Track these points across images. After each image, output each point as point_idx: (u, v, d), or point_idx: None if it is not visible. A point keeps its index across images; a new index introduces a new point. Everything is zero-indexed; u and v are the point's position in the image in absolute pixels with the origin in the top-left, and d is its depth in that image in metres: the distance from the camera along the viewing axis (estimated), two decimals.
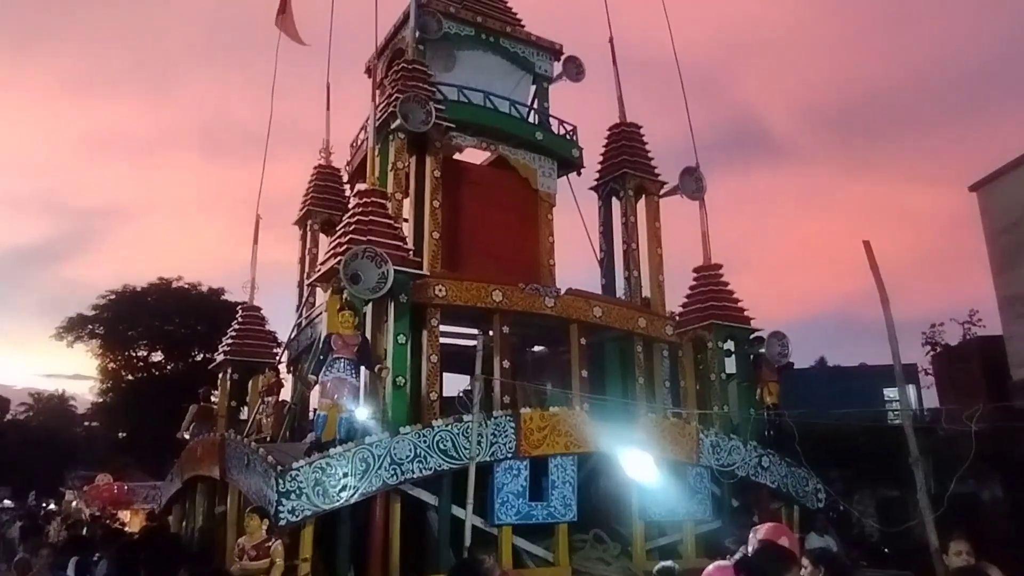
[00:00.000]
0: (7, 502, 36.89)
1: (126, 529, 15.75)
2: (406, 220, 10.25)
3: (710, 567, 4.87)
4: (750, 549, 6.18)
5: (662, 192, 12.30)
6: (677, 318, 11.75)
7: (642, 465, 8.41)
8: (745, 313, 11.57)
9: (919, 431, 7.37)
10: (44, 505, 32.89)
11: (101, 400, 40.28)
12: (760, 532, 6.36)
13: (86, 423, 47.55)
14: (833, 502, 10.80)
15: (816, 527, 9.17)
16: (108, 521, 16.23)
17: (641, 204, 12.30)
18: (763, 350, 11.48)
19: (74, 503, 26.34)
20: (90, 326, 36.84)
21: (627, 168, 12.14)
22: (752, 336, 11.56)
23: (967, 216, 13.93)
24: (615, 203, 12.60)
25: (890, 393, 21.03)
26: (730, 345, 11.45)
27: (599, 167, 12.74)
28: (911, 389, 20.48)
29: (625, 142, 12.48)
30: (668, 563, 5.26)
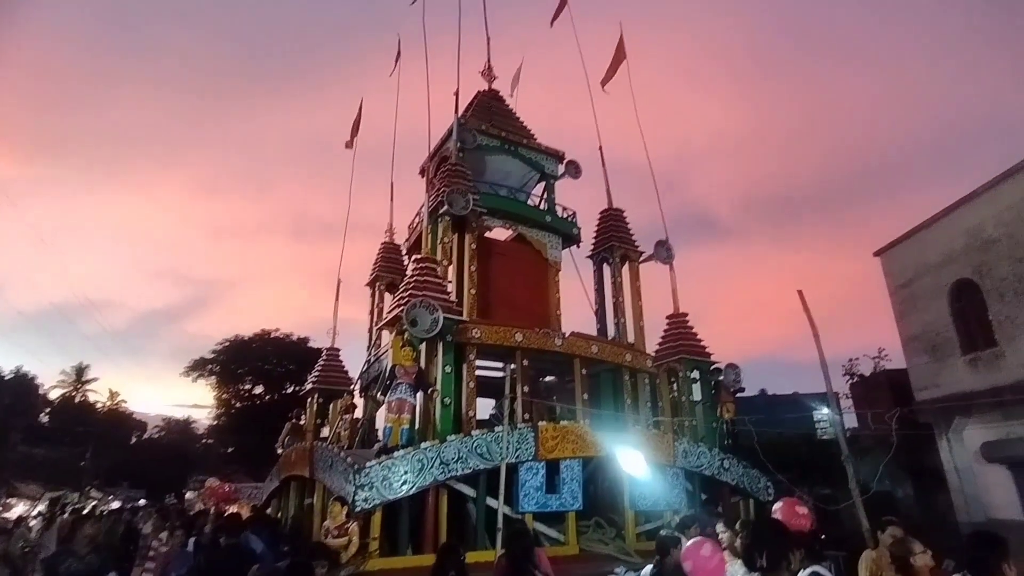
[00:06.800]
0: (142, 501, 36.48)
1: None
2: (450, 281, 10.32)
3: (689, 543, 4.63)
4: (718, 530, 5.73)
5: (641, 259, 12.35)
6: (655, 354, 11.65)
7: (635, 462, 8.20)
8: (706, 349, 11.48)
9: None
10: (173, 502, 32.53)
11: (215, 422, 40.17)
12: (778, 506, 5.40)
13: (204, 440, 47.18)
14: (780, 496, 10.43)
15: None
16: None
17: (625, 269, 12.35)
18: (722, 377, 11.33)
19: (195, 502, 25.99)
20: (209, 366, 37.05)
21: (614, 241, 12.25)
22: (712, 367, 11.42)
23: (872, 276, 13.86)
24: (606, 268, 12.67)
25: (819, 415, 20.46)
26: (696, 375, 11.33)
27: (593, 241, 12.84)
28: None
29: (612, 222, 12.61)
30: (667, 531, 5.03)
